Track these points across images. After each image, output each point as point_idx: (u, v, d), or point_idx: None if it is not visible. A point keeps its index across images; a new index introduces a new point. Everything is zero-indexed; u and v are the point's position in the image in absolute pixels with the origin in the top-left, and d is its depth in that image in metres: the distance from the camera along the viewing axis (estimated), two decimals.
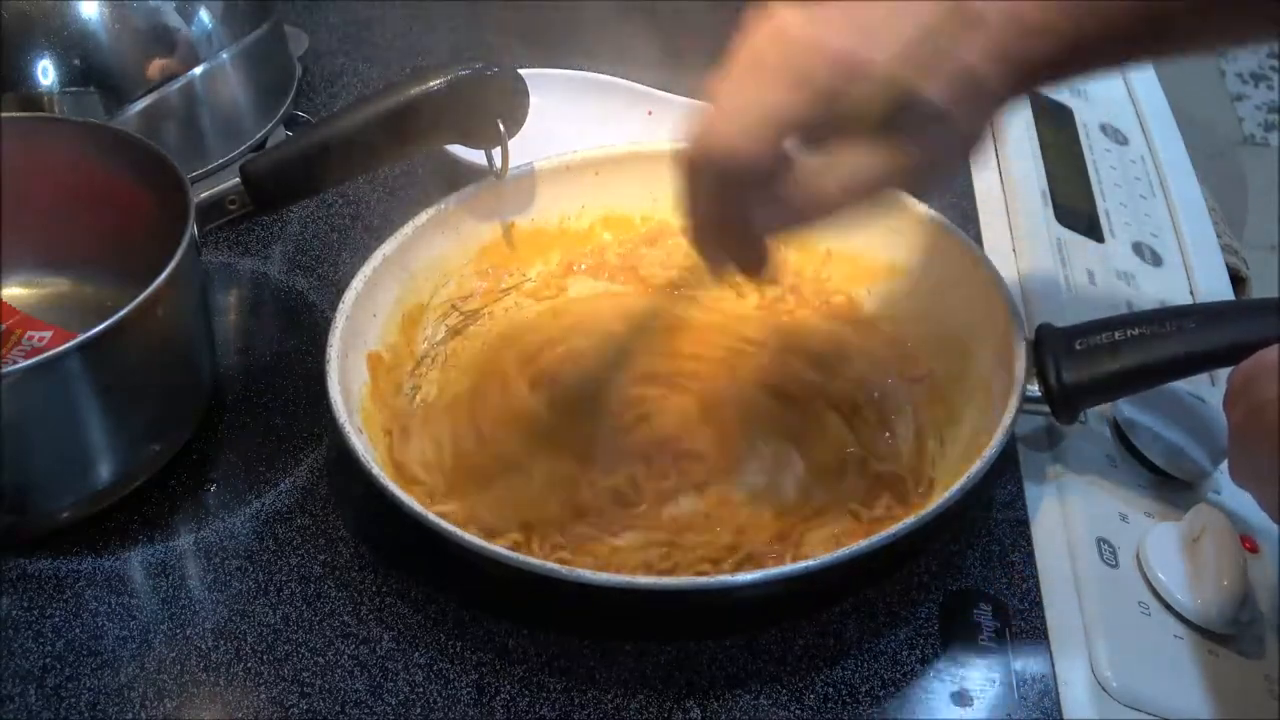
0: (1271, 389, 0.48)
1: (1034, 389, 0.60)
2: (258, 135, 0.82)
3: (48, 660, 0.56)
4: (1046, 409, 0.61)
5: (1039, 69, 0.49)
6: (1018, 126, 0.85)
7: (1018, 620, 0.57)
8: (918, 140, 0.49)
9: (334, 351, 0.61)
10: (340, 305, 0.64)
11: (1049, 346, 0.61)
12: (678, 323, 0.70)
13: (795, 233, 0.54)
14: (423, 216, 0.69)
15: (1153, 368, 0.59)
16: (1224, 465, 0.61)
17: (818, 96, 0.48)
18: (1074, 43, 0.49)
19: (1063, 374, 0.60)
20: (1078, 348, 0.60)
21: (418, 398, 0.66)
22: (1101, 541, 0.58)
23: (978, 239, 0.76)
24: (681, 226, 0.54)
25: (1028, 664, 0.55)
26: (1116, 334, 0.60)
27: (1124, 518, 0.60)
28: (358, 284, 0.65)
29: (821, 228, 0.52)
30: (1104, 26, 0.49)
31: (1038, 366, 0.60)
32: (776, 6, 0.49)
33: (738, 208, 0.51)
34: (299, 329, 0.73)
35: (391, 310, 0.67)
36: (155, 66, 0.77)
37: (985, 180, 0.82)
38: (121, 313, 0.56)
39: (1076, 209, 0.79)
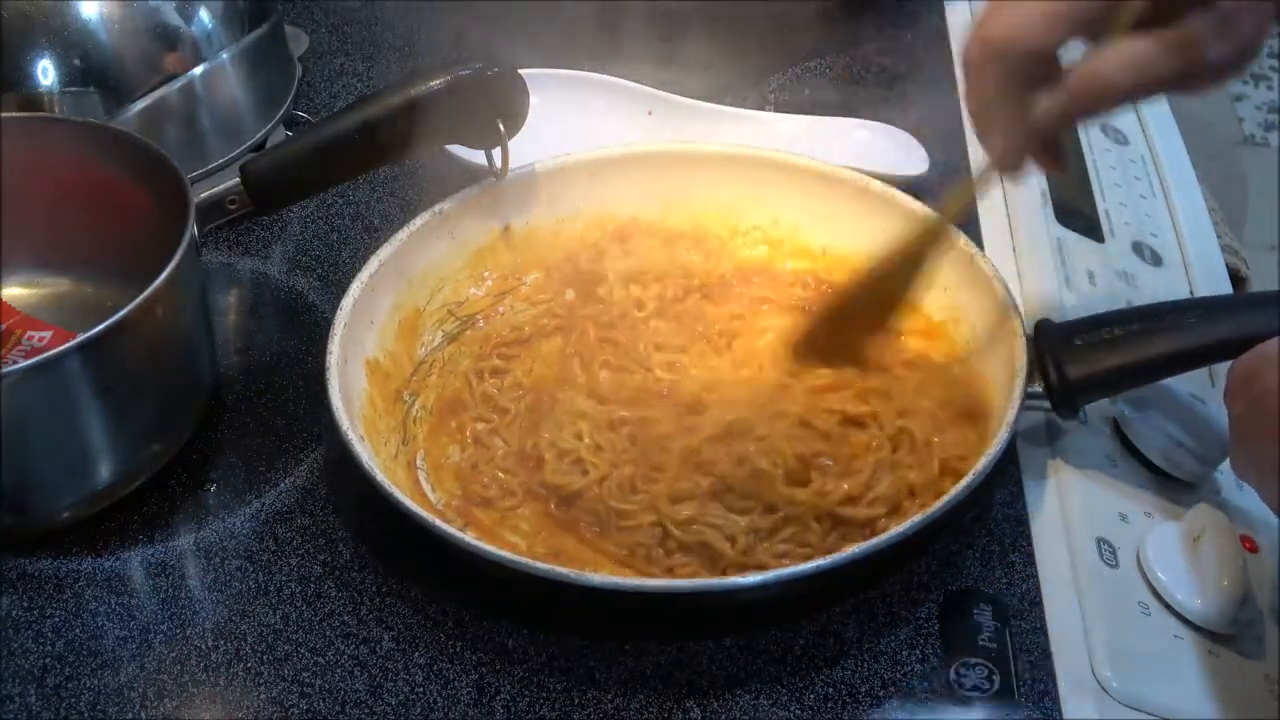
0: (1272, 381, 0.48)
1: (1034, 386, 0.60)
2: (258, 135, 0.82)
3: (48, 660, 0.56)
4: (1047, 405, 0.61)
5: None
6: None
7: (1018, 620, 0.57)
8: (1197, 36, 0.50)
9: (333, 359, 0.61)
10: (338, 312, 0.63)
11: (1049, 342, 0.61)
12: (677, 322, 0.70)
13: (1076, 120, 0.57)
14: (419, 220, 0.69)
15: (1153, 362, 0.59)
16: (1224, 465, 0.61)
17: None
18: None
19: (1064, 369, 0.60)
20: (1078, 343, 0.60)
21: (417, 404, 0.66)
22: (1101, 541, 0.58)
23: (978, 239, 0.76)
24: (969, 118, 0.56)
25: (1028, 664, 0.55)
26: (1116, 329, 0.60)
27: (1124, 518, 0.60)
28: (355, 290, 0.65)
29: (1100, 114, 0.55)
30: None
31: (1038, 363, 0.61)
32: None
33: (1019, 96, 0.53)
34: (299, 329, 0.73)
35: (389, 317, 0.67)
36: (155, 66, 0.77)
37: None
38: (121, 313, 0.56)
39: (1076, 209, 0.79)
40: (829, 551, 0.58)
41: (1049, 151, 0.57)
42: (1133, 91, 0.52)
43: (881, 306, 0.63)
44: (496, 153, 0.70)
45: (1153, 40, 0.51)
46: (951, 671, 0.55)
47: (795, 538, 0.59)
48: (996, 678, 0.55)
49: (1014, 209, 0.79)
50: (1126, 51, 0.51)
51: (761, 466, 0.60)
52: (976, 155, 0.83)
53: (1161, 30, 0.51)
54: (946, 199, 0.64)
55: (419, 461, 0.64)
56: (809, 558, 0.57)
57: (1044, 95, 0.52)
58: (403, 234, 0.68)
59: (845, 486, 0.60)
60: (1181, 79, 0.52)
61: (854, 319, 0.62)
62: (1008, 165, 0.56)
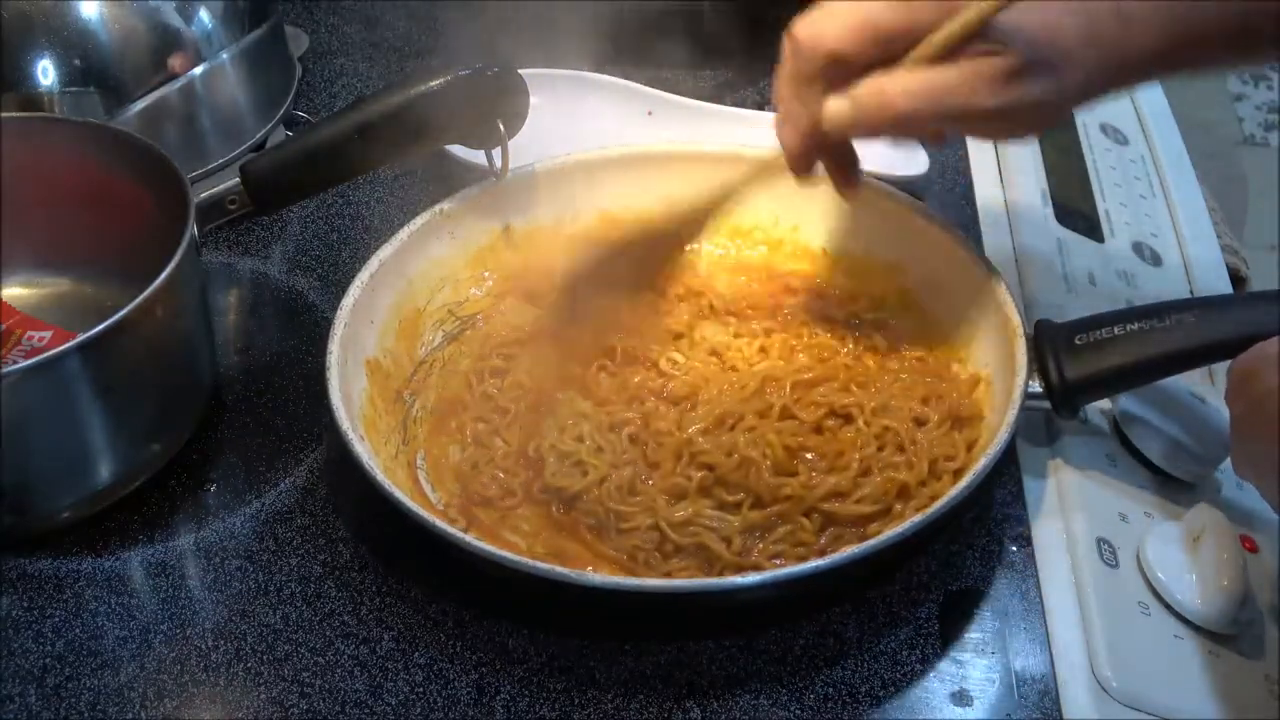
0: (1273, 380, 0.48)
1: (1034, 385, 0.60)
2: (258, 135, 0.82)
3: (48, 660, 0.56)
4: (1047, 404, 0.61)
5: (1130, 62, 0.52)
6: None
7: (1018, 621, 0.57)
8: (990, 80, 0.51)
9: (334, 359, 0.61)
10: (338, 312, 0.63)
11: (1049, 342, 0.61)
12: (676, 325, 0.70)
13: (860, 134, 0.57)
14: (419, 220, 0.69)
15: (1153, 362, 0.59)
16: (1224, 465, 0.61)
17: (912, 13, 0.52)
18: (1172, 38, 0.51)
19: (1064, 369, 0.60)
20: (1078, 342, 0.60)
21: (417, 404, 0.66)
22: (1101, 541, 0.58)
23: (978, 239, 0.76)
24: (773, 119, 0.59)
25: (1028, 664, 0.55)
26: (1116, 328, 0.60)
27: (1124, 517, 0.60)
28: (355, 290, 0.65)
29: (879, 134, 0.56)
30: (1202, 27, 0.51)
31: (1038, 362, 0.61)
32: None
33: (812, 96, 0.55)
34: (299, 329, 0.73)
35: (389, 317, 0.67)
36: (155, 66, 0.77)
37: (985, 180, 0.82)
38: (121, 313, 0.56)
39: (1076, 209, 0.79)
40: (824, 552, 0.58)
41: (837, 161, 0.60)
42: (918, 120, 0.54)
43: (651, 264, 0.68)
44: (496, 153, 0.70)
45: (952, 70, 0.52)
46: (951, 671, 0.55)
47: (789, 537, 0.59)
48: (996, 678, 0.55)
49: (1014, 209, 0.79)
50: (918, 76, 0.53)
51: (750, 455, 0.60)
52: (976, 155, 0.84)
53: (965, 62, 0.52)
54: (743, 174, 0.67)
55: (419, 461, 0.64)
56: (804, 558, 0.57)
57: (833, 98, 0.55)
58: (403, 234, 0.68)
59: (832, 481, 0.60)
60: (981, 117, 0.53)
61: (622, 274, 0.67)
62: (793, 160, 0.59)
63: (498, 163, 0.70)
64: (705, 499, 0.60)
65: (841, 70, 0.54)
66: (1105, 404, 0.65)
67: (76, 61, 0.74)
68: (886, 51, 0.54)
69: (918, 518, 0.54)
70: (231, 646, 0.57)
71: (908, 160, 0.80)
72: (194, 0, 0.79)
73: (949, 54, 0.52)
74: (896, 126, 0.55)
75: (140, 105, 0.76)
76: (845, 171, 0.61)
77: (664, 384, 0.66)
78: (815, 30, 0.55)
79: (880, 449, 0.61)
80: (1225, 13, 0.52)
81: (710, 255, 0.75)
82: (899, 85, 0.53)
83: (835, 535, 0.59)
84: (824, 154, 0.60)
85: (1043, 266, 0.73)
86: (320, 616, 0.58)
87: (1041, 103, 0.53)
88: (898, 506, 0.59)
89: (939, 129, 0.57)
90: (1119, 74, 0.54)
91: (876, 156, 0.79)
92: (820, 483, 0.59)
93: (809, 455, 0.61)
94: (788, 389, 0.64)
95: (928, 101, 0.53)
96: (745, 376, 0.65)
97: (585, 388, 0.66)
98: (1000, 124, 0.55)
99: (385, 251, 0.67)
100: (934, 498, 0.57)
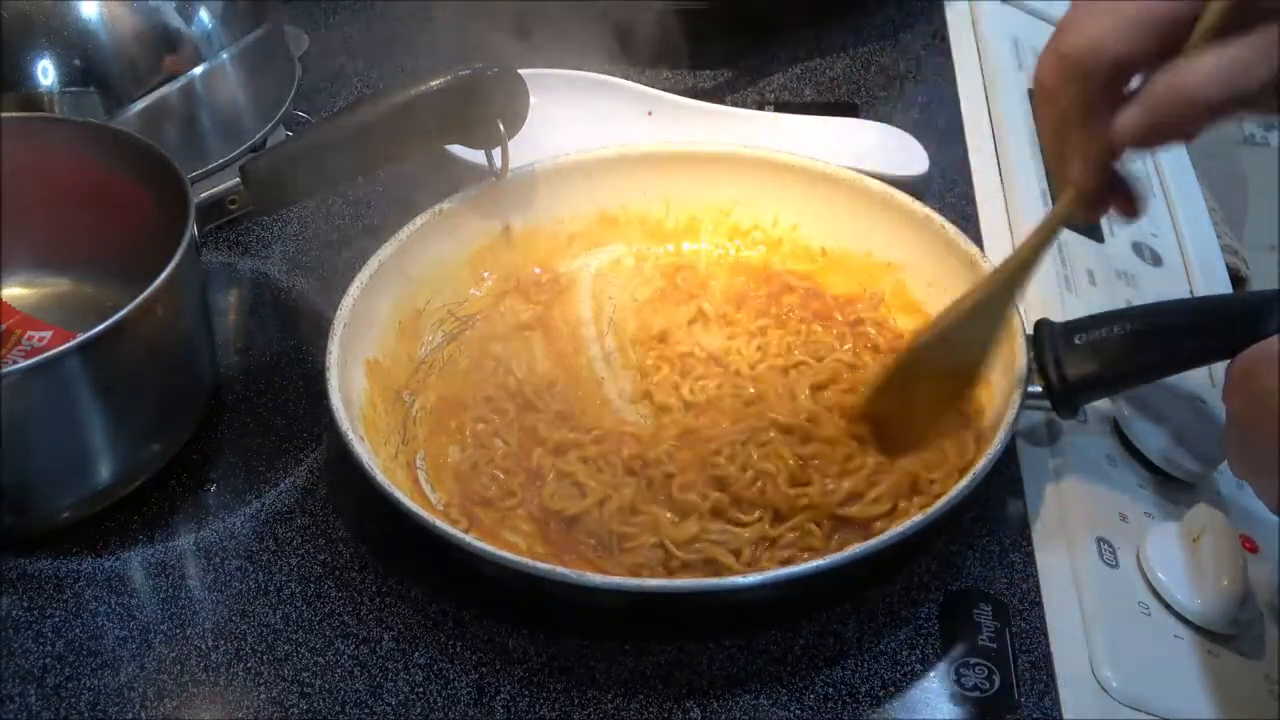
0: (1271, 380, 0.48)
1: (1034, 385, 0.60)
2: (258, 135, 0.82)
3: (48, 660, 0.56)
4: (1047, 404, 0.61)
5: None
6: (1017, 126, 0.85)
7: (1018, 620, 0.57)
8: (1274, 53, 0.45)
9: (333, 359, 0.61)
10: (338, 312, 0.63)
11: (1048, 341, 0.61)
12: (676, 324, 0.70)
13: (1154, 143, 0.49)
14: (419, 220, 0.69)
15: (1153, 361, 0.59)
16: (1224, 465, 0.61)
17: None
18: None
19: (1063, 369, 0.60)
20: (1077, 342, 0.60)
21: (417, 404, 0.66)
22: (1101, 541, 0.58)
23: (978, 239, 0.76)
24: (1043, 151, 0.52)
25: (1028, 664, 0.55)
26: (1116, 328, 0.60)
27: (1124, 518, 0.60)
28: (355, 290, 0.65)
29: (1186, 134, 0.49)
30: None
31: (1038, 362, 0.60)
32: None
33: (1101, 115, 0.48)
34: (299, 329, 0.73)
35: (389, 317, 0.67)
36: (155, 66, 0.77)
37: (985, 180, 0.82)
38: (121, 313, 0.56)
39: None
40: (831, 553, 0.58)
41: (1121, 191, 0.52)
42: (1223, 105, 0.47)
43: (953, 374, 0.59)
44: (496, 153, 0.70)
45: (1241, 45, 0.46)
46: (951, 671, 0.55)
47: (799, 543, 0.58)
48: (996, 678, 0.55)
49: (1014, 209, 0.79)
50: (1213, 59, 0.46)
51: (766, 469, 0.60)
52: (976, 155, 0.84)
53: (1250, 34, 0.46)
54: (1019, 251, 0.57)
55: (419, 461, 0.64)
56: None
57: (1121, 113, 0.48)
58: (403, 234, 0.68)
59: (847, 486, 0.60)
60: (1272, 90, 0.46)
61: (920, 385, 0.59)
62: (1089, 196, 0.52)
63: (498, 163, 0.70)
64: (716, 520, 0.59)
65: (1126, 80, 0.48)
66: (1105, 404, 0.64)
67: (76, 61, 0.74)
68: (1167, 43, 0.47)
69: (918, 517, 0.54)
70: (231, 646, 0.57)
71: (908, 160, 0.80)
72: (194, 0, 0.79)
73: (1225, 31, 0.46)
74: (1198, 117, 0.47)
75: (140, 105, 0.76)
76: (1131, 199, 0.54)
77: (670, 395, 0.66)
78: (1090, 39, 0.47)
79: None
80: None
81: (709, 255, 0.75)
82: (1194, 75, 0.46)
83: (843, 540, 0.59)
84: (1112, 183, 0.53)
85: (1043, 266, 0.73)
86: (320, 616, 0.58)
87: None
88: (902, 504, 0.60)
89: (1235, 112, 0.47)
90: None
91: (876, 156, 0.79)
92: (836, 488, 0.59)
93: (815, 461, 0.61)
94: (806, 392, 0.64)
95: (1223, 85, 0.46)
96: (750, 384, 0.65)
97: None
98: None
99: (385, 252, 0.67)
100: (940, 495, 0.57)
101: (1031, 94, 0.50)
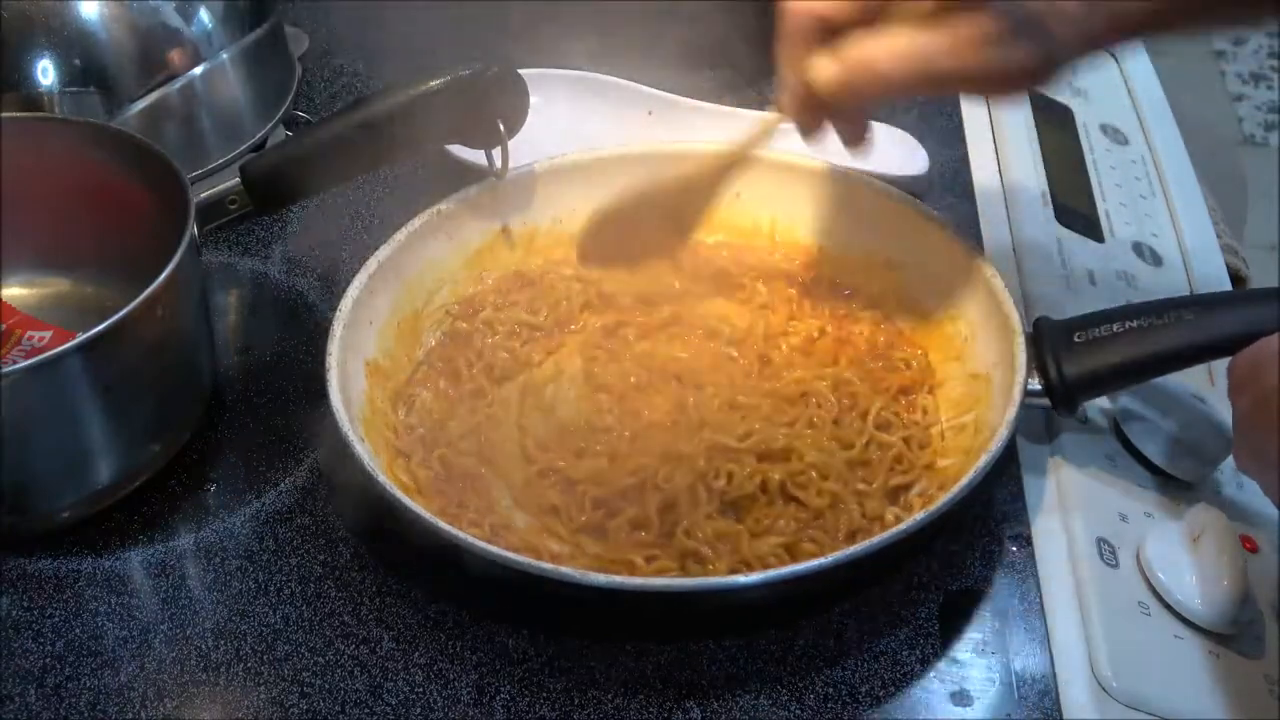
0: (1275, 376, 0.48)
1: (1034, 383, 0.60)
2: (258, 135, 0.82)
3: (48, 660, 0.56)
4: (1047, 402, 0.61)
5: (1126, 18, 0.50)
6: (1017, 126, 0.85)
7: (1018, 620, 0.57)
8: (991, 33, 0.49)
9: (333, 359, 0.61)
10: (337, 312, 0.63)
11: (1048, 339, 0.61)
12: (675, 322, 0.70)
13: (850, 100, 0.55)
14: (418, 221, 0.69)
15: (1152, 358, 0.59)
16: (1224, 465, 0.61)
17: None
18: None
19: (1062, 367, 0.60)
20: (1077, 340, 0.60)
21: (417, 404, 0.66)
22: (1101, 541, 0.58)
23: (978, 239, 0.76)
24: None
25: (1028, 664, 0.55)
26: (1115, 326, 0.60)
27: (1124, 518, 0.60)
28: (354, 290, 0.65)
29: (869, 97, 0.54)
30: None
31: (1037, 360, 0.61)
32: None
33: (804, 60, 0.54)
34: (299, 329, 0.73)
35: (388, 318, 0.67)
36: (155, 66, 0.77)
37: (985, 180, 0.82)
38: (121, 313, 0.56)
39: (1076, 209, 0.79)
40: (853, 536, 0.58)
41: (846, 120, 0.58)
42: (905, 85, 0.52)
43: (678, 214, 0.66)
44: (496, 153, 0.70)
45: (935, 33, 0.50)
46: (951, 671, 0.55)
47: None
48: (996, 678, 0.55)
49: (1014, 209, 0.79)
50: (904, 41, 0.51)
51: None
52: (976, 155, 0.84)
53: (951, 23, 0.50)
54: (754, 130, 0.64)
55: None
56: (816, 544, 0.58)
57: (820, 58, 0.53)
58: (401, 234, 0.68)
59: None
60: (969, 81, 0.51)
61: (648, 221, 0.66)
62: (798, 124, 0.58)
63: (498, 163, 0.70)
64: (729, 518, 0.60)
65: (832, 33, 0.53)
66: (1105, 404, 0.65)
67: (76, 61, 0.74)
68: (875, 15, 0.52)
69: (918, 516, 0.54)
70: (231, 646, 0.57)
71: (908, 160, 0.80)
72: (194, 0, 0.79)
73: (938, 14, 0.50)
74: (884, 89, 0.53)
75: (140, 105, 0.76)
76: (854, 127, 0.60)
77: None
78: None
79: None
80: None
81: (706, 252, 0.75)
82: (884, 47, 0.52)
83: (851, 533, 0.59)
84: (833, 116, 0.59)
85: (1042, 266, 0.73)
86: (320, 616, 0.58)
87: (1032, 63, 0.51)
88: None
89: (930, 91, 0.56)
90: (1112, 30, 0.52)
91: (876, 156, 0.79)
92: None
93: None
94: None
95: (915, 64, 0.51)
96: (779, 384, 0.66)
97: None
98: (989, 85, 0.54)
99: (384, 252, 0.67)
100: (942, 487, 0.58)
101: None
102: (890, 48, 0.51)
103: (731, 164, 0.66)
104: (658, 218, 0.67)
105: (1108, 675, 0.54)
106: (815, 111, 0.57)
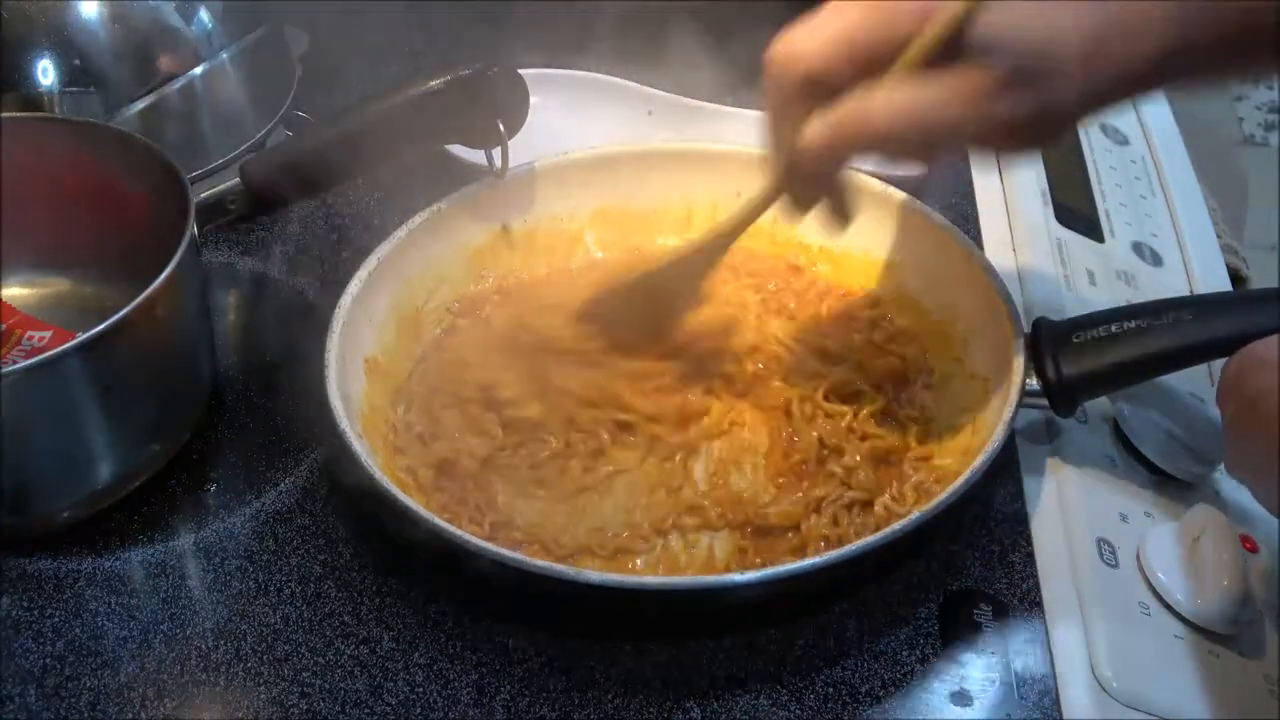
0: (1266, 380, 0.48)
1: (1033, 383, 0.60)
2: (258, 135, 0.82)
3: (48, 660, 0.56)
4: (1045, 403, 0.61)
5: (1130, 71, 0.48)
6: None
7: (1018, 621, 0.57)
8: (987, 85, 0.47)
9: (332, 357, 0.61)
10: (337, 311, 0.63)
11: (1047, 340, 0.61)
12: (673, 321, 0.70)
13: (843, 157, 0.52)
14: (417, 219, 0.69)
15: (1151, 359, 0.59)
16: (1224, 464, 0.61)
17: (890, 24, 0.48)
18: (1172, 49, 0.47)
19: (1061, 367, 0.60)
20: (1075, 340, 0.60)
21: (416, 401, 0.66)
22: (1101, 541, 0.58)
23: (978, 239, 0.76)
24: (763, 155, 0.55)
25: (1028, 664, 0.55)
26: (1114, 326, 0.60)
27: (1124, 518, 0.60)
28: (353, 289, 0.65)
29: (864, 155, 0.52)
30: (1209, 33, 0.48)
31: (1035, 360, 0.60)
32: None
33: (796, 122, 0.51)
34: (299, 329, 0.73)
35: (387, 315, 0.67)
36: (155, 66, 0.77)
37: (985, 180, 0.82)
38: (121, 313, 0.56)
39: (1076, 209, 0.79)
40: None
41: (832, 195, 0.56)
42: (902, 139, 0.49)
43: (684, 286, 0.66)
44: (496, 153, 0.70)
45: (933, 84, 0.48)
46: (951, 671, 0.55)
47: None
48: (996, 678, 0.55)
49: (1014, 209, 0.79)
50: (899, 93, 0.48)
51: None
52: (976, 155, 0.84)
53: (947, 77, 0.48)
54: (724, 224, 0.63)
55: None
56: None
57: (808, 125, 0.51)
58: (401, 233, 0.68)
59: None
60: (966, 136, 0.49)
61: (654, 297, 0.65)
62: (786, 189, 0.55)
63: (497, 162, 0.70)
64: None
65: (823, 92, 0.50)
66: (1105, 403, 0.65)
67: (76, 61, 0.74)
68: (867, 69, 0.50)
69: (917, 514, 0.54)
70: (231, 646, 0.57)
71: None
72: (194, 0, 0.79)
73: (933, 67, 0.48)
74: (880, 148, 0.51)
75: (140, 105, 0.76)
76: (839, 203, 0.57)
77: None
78: (791, 50, 0.51)
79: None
80: (1224, 13, 0.48)
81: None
82: (878, 104, 0.49)
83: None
84: (812, 182, 0.56)
85: (1042, 266, 0.73)
86: (320, 616, 0.58)
87: (1033, 118, 0.48)
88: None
89: (929, 149, 0.51)
90: (1117, 86, 0.49)
91: None
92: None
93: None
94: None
95: (910, 120, 0.49)
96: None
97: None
98: (992, 141, 0.51)
99: (383, 250, 0.67)
100: (941, 481, 0.58)
101: None
102: (884, 101, 0.49)
103: (725, 244, 0.63)
104: (656, 297, 0.66)
105: (1108, 675, 0.54)
106: (809, 182, 0.55)
